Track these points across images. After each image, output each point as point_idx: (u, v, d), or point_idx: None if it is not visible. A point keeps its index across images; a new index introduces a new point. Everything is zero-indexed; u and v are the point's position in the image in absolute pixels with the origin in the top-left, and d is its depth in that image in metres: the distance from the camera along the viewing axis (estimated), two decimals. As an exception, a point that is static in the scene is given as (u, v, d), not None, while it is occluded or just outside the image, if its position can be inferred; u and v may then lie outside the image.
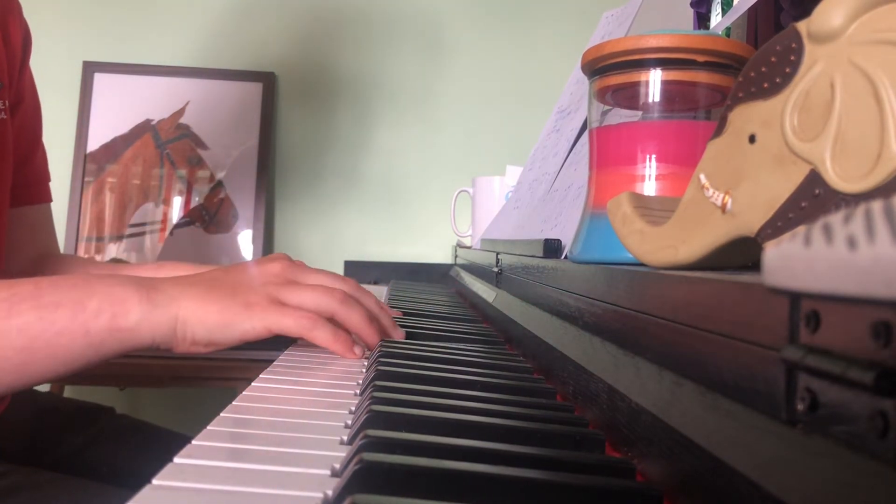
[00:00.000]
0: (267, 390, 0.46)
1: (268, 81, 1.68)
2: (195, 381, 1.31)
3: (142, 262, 1.59)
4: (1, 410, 0.78)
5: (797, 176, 0.27)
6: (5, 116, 0.73)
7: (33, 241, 0.85)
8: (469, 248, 1.26)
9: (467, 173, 1.57)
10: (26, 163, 0.82)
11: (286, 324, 0.54)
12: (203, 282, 0.56)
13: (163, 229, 1.63)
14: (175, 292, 0.53)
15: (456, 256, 1.45)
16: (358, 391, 0.47)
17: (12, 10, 0.78)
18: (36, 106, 0.85)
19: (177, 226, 1.63)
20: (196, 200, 1.64)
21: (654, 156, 0.45)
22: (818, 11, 0.26)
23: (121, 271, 0.85)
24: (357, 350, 0.57)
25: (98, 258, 1.58)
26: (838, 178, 0.25)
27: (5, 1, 0.77)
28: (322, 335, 0.55)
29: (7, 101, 0.74)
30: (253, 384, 0.46)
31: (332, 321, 0.57)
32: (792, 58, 0.28)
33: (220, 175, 1.65)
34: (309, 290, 0.57)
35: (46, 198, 0.87)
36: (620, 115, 0.49)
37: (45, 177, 0.88)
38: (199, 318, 0.53)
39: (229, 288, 0.55)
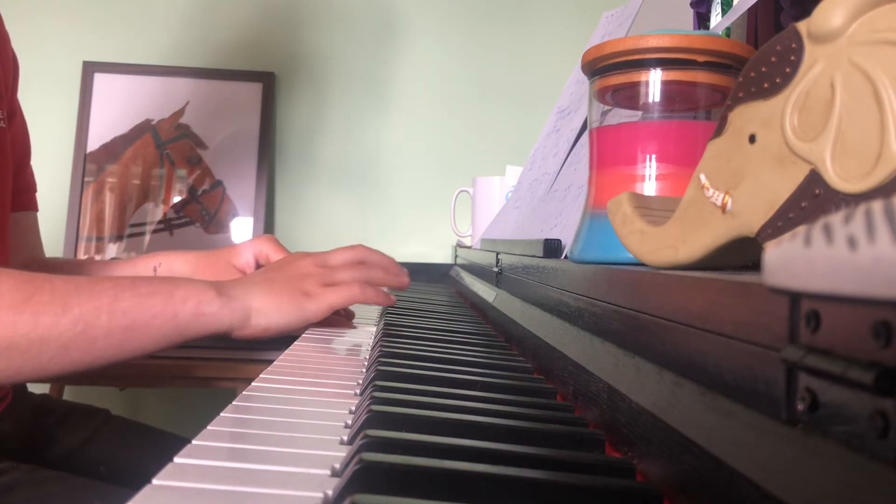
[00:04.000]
0: (267, 390, 0.46)
1: (267, 81, 1.68)
2: (195, 381, 1.31)
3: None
4: (2, 408, 0.78)
5: (797, 176, 0.27)
6: (4, 125, 0.77)
7: (23, 245, 0.91)
8: (469, 248, 1.26)
9: (467, 173, 1.57)
10: (19, 172, 0.88)
11: (342, 299, 0.68)
12: (260, 281, 0.67)
13: (162, 229, 1.63)
14: (244, 289, 0.64)
15: (456, 256, 1.45)
16: (358, 391, 0.47)
17: (3, 35, 0.83)
18: (25, 124, 0.91)
19: (177, 226, 1.63)
20: (196, 200, 1.64)
21: (654, 156, 0.45)
22: (818, 11, 0.26)
23: (115, 267, 0.90)
24: (392, 297, 0.75)
25: (98, 258, 1.58)
26: (838, 178, 0.25)
27: None
28: (372, 295, 0.70)
29: (4, 112, 0.78)
30: (253, 384, 0.46)
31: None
32: (792, 58, 0.28)
33: (219, 175, 1.65)
34: (345, 269, 0.71)
35: (34, 206, 0.95)
36: (620, 115, 0.49)
37: (33, 187, 0.95)
38: (274, 307, 0.64)
39: (286, 282, 0.67)
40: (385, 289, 0.77)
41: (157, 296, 0.59)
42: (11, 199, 0.86)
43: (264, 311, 0.64)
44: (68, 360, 0.55)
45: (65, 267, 0.91)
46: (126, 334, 0.57)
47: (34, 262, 0.92)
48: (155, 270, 0.86)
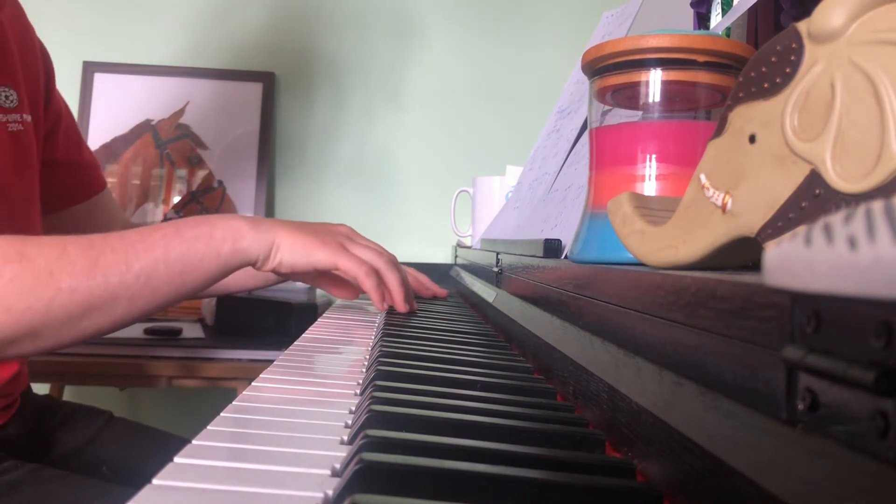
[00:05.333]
0: (267, 390, 0.46)
1: (267, 81, 1.68)
2: (195, 381, 1.31)
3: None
4: (8, 417, 0.79)
5: (797, 176, 0.27)
6: (22, 128, 0.79)
7: (112, 221, 0.98)
8: (469, 248, 1.26)
9: (467, 173, 1.57)
10: (80, 163, 0.94)
11: (348, 265, 0.71)
12: (291, 223, 0.72)
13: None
14: (273, 225, 0.69)
15: (456, 256, 1.45)
16: (358, 391, 0.47)
17: (28, 30, 0.85)
18: (70, 115, 0.96)
19: (177, 226, 1.63)
20: (196, 200, 1.64)
21: (654, 156, 0.45)
22: (818, 11, 0.26)
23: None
24: (385, 305, 0.77)
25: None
26: (839, 178, 0.25)
27: (22, 26, 0.83)
28: (370, 283, 0.72)
29: (25, 115, 0.79)
30: (253, 384, 0.46)
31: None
32: (792, 58, 0.28)
33: (220, 175, 1.65)
34: (367, 248, 0.75)
35: (105, 182, 1.00)
36: (620, 115, 0.49)
37: (97, 165, 0.99)
38: (289, 245, 0.69)
39: (311, 230, 0.72)
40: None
41: (200, 239, 0.64)
42: (89, 185, 0.93)
43: (282, 247, 0.68)
44: (137, 309, 0.61)
45: None
46: (181, 278, 0.63)
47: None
48: None
